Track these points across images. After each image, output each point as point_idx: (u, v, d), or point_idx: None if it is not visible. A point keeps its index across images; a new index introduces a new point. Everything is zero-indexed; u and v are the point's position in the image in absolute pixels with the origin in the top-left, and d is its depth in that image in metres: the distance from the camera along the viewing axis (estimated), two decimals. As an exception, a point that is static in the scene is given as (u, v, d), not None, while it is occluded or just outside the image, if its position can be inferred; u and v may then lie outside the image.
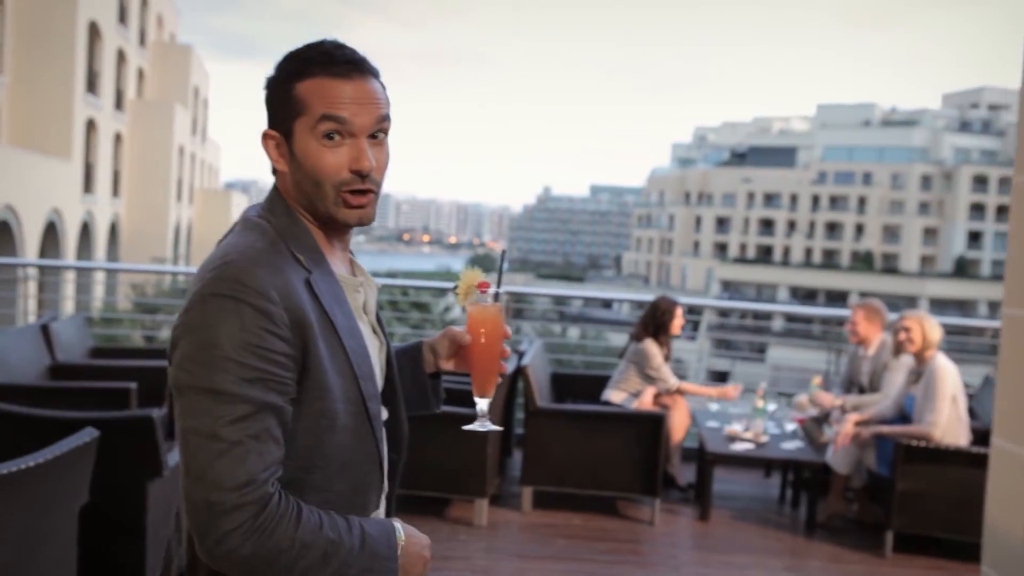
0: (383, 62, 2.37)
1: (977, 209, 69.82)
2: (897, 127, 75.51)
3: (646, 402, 5.64)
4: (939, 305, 63.43)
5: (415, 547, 1.40)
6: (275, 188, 1.43)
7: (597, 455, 5.15)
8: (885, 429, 4.89)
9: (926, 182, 71.79)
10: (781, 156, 78.91)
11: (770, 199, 77.54)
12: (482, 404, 1.61)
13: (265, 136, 1.40)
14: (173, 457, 3.37)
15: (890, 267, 70.40)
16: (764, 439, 5.35)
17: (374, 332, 1.49)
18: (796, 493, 5.64)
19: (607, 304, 42.02)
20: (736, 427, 5.48)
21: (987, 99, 76.27)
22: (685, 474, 5.88)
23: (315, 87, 1.33)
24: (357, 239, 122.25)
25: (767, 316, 29.58)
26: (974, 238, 69.95)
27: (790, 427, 5.70)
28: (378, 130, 1.37)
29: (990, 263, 69.27)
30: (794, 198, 76.12)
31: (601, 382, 6.05)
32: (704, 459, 5.35)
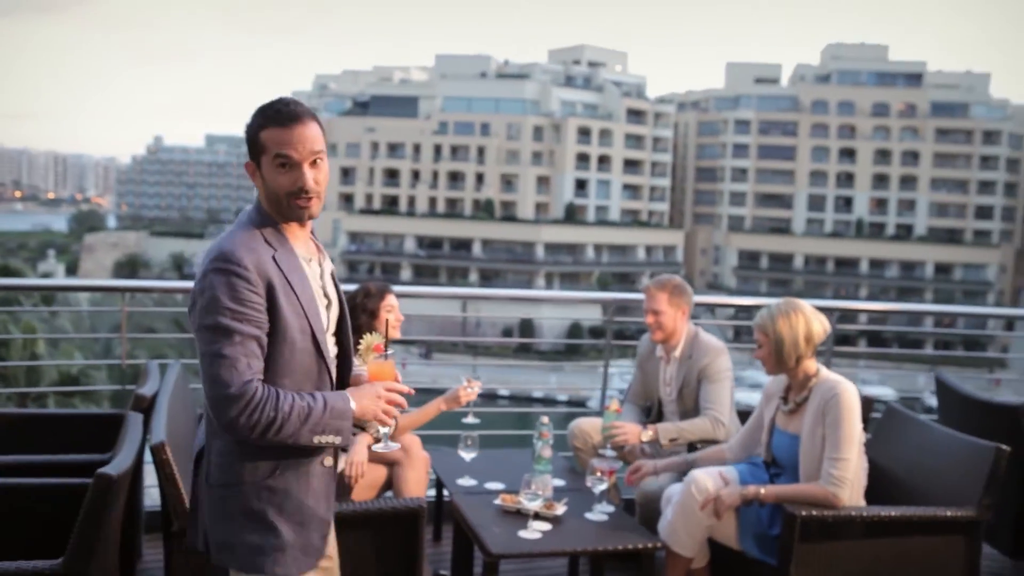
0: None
1: (583, 159, 74.63)
2: (510, 80, 78.14)
3: (358, 457, 3.48)
4: (552, 249, 67.21)
5: (364, 397, 2.21)
6: (257, 199, 2.28)
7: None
8: (772, 491, 3.20)
9: (538, 133, 75.24)
10: (403, 106, 78.44)
11: (394, 149, 77.00)
12: (384, 430, 2.32)
13: (247, 166, 2.24)
14: None
15: (509, 215, 73.14)
16: (560, 510, 3.38)
17: (324, 293, 2.31)
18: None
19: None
20: (512, 494, 3.50)
21: (588, 56, 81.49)
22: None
23: (270, 135, 2.16)
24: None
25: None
26: (580, 186, 74.79)
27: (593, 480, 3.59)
28: (314, 159, 2.19)
29: (595, 209, 74.69)
30: (417, 148, 76.24)
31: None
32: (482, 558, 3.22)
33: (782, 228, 76.12)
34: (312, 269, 2.28)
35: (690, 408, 3.97)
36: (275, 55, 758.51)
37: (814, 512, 3.02)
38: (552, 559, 4.14)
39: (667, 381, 4.05)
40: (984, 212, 75.71)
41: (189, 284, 4.82)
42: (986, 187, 75.34)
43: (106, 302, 23.95)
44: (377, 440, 2.38)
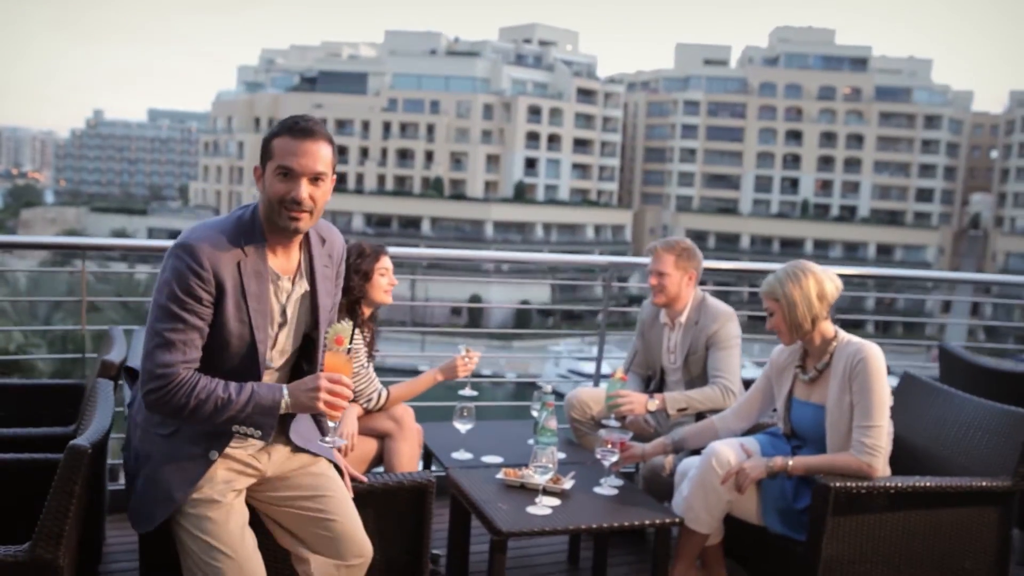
0: None
1: (533, 138, 74.37)
2: (461, 57, 77.47)
3: (349, 429, 3.21)
4: (502, 228, 66.93)
5: (300, 391, 2.25)
6: (257, 202, 2.34)
7: None
8: (801, 462, 2.98)
9: (488, 111, 74.77)
10: (352, 82, 77.35)
11: (342, 126, 75.90)
12: (331, 424, 2.35)
13: (254, 170, 2.33)
14: None
15: (458, 193, 72.68)
16: (567, 484, 3.14)
17: (282, 311, 2.36)
18: (600, 559, 3.47)
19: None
20: (514, 468, 3.27)
21: (539, 35, 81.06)
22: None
23: (280, 143, 2.26)
24: None
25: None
26: (530, 164, 74.57)
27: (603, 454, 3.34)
28: (316, 176, 2.27)
29: (544, 188, 74.55)
30: (366, 125, 75.33)
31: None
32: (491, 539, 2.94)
33: (729, 208, 76.88)
34: (280, 286, 2.36)
35: (696, 377, 3.75)
36: (221, 28, 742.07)
37: (848, 483, 2.82)
38: (554, 540, 3.90)
39: (671, 348, 3.82)
40: (924, 195, 77.36)
41: (154, 243, 4.44)
42: (927, 170, 76.97)
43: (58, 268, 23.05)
44: (324, 434, 2.45)
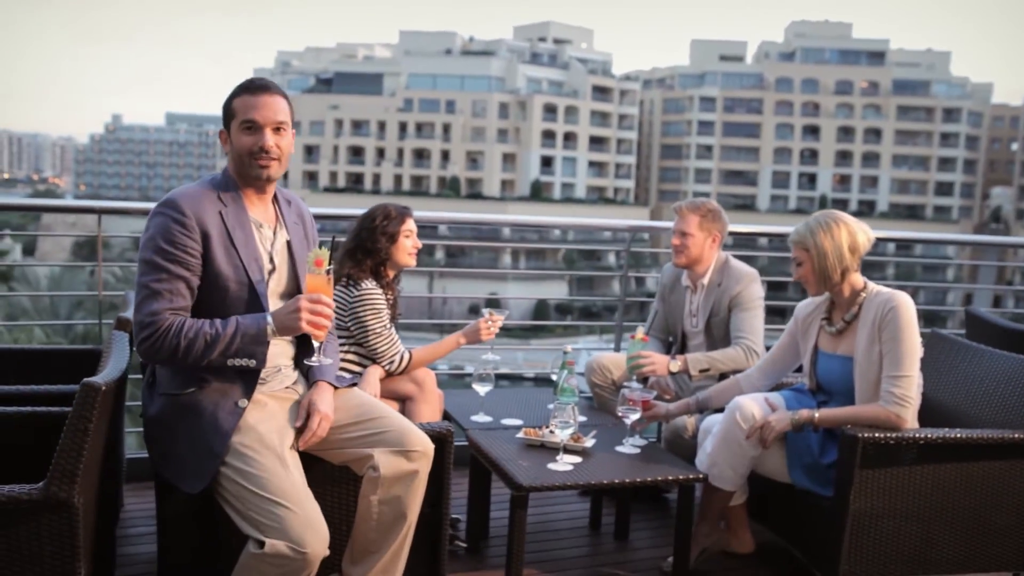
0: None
1: (548, 136, 74.34)
2: (476, 56, 77.52)
3: (371, 390, 3.19)
4: (519, 229, 66.81)
5: (282, 314, 2.31)
6: (227, 164, 2.49)
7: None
8: (828, 414, 2.93)
9: (504, 110, 74.80)
10: (367, 83, 77.58)
11: (358, 126, 76.19)
12: (316, 344, 2.40)
13: (220, 134, 2.47)
14: None
15: (475, 192, 72.74)
16: (588, 443, 3.11)
17: (270, 259, 2.47)
18: (622, 521, 3.51)
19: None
20: (534, 427, 3.25)
21: (553, 33, 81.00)
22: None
23: (240, 101, 2.42)
24: None
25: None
26: (546, 163, 74.53)
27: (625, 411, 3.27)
28: (277, 126, 2.41)
29: (560, 186, 74.49)
30: (382, 125, 75.52)
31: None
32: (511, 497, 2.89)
33: (747, 205, 76.49)
34: (264, 234, 2.46)
35: (718, 340, 3.69)
36: (237, 32, 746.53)
37: (877, 434, 2.75)
38: (574, 502, 3.86)
39: (693, 311, 3.76)
40: (944, 189, 76.71)
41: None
42: (946, 164, 76.32)
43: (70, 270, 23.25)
44: (310, 355, 2.46)
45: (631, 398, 3.13)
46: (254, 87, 2.42)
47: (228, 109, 2.44)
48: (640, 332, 3.49)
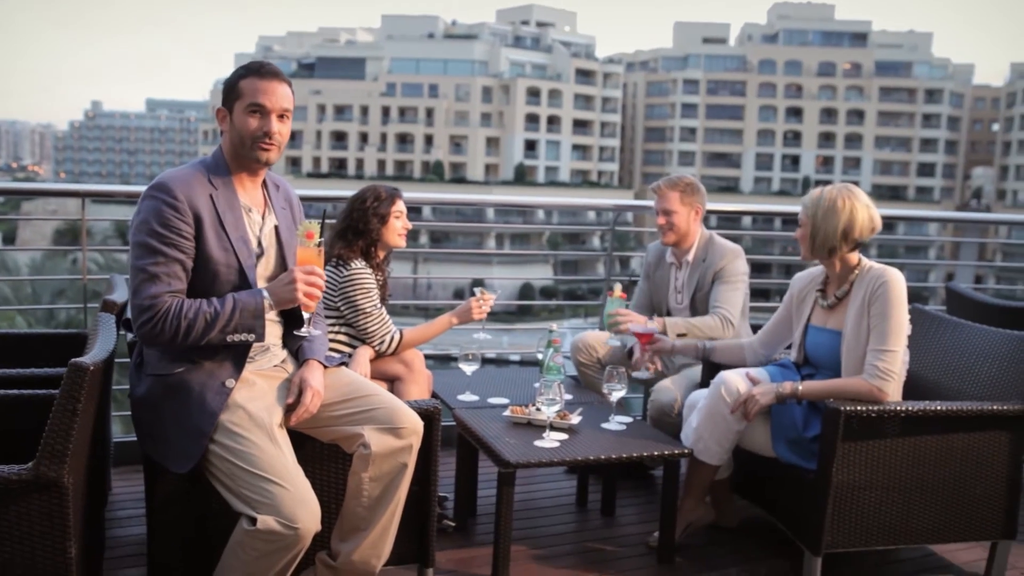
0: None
1: (532, 120, 74.16)
2: (458, 40, 77.17)
3: (360, 370, 3.18)
4: (502, 210, 66.80)
5: (278, 287, 2.36)
6: (220, 144, 2.49)
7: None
8: (811, 387, 2.97)
9: (487, 94, 74.54)
10: (350, 68, 77.12)
11: (341, 111, 75.79)
12: (306, 315, 2.42)
13: (217, 111, 2.45)
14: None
15: (459, 176, 72.53)
16: (574, 420, 3.14)
17: (258, 243, 2.48)
18: (608, 498, 3.57)
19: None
20: (520, 405, 3.30)
21: (536, 16, 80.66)
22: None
23: (249, 83, 2.40)
24: None
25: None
26: (530, 147, 74.39)
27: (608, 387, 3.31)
28: (282, 113, 2.42)
29: (544, 170, 74.40)
30: (365, 110, 75.15)
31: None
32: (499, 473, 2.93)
33: (730, 187, 76.67)
34: (252, 218, 2.48)
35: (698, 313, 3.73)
36: (217, 17, 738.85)
37: (859, 407, 2.79)
38: (561, 480, 3.90)
39: (678, 288, 3.79)
40: (926, 169, 77.12)
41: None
42: (928, 145, 76.71)
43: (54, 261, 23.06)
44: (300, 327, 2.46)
45: (635, 332, 3.22)
46: (264, 72, 2.41)
47: (234, 88, 2.42)
48: (618, 289, 3.52)
